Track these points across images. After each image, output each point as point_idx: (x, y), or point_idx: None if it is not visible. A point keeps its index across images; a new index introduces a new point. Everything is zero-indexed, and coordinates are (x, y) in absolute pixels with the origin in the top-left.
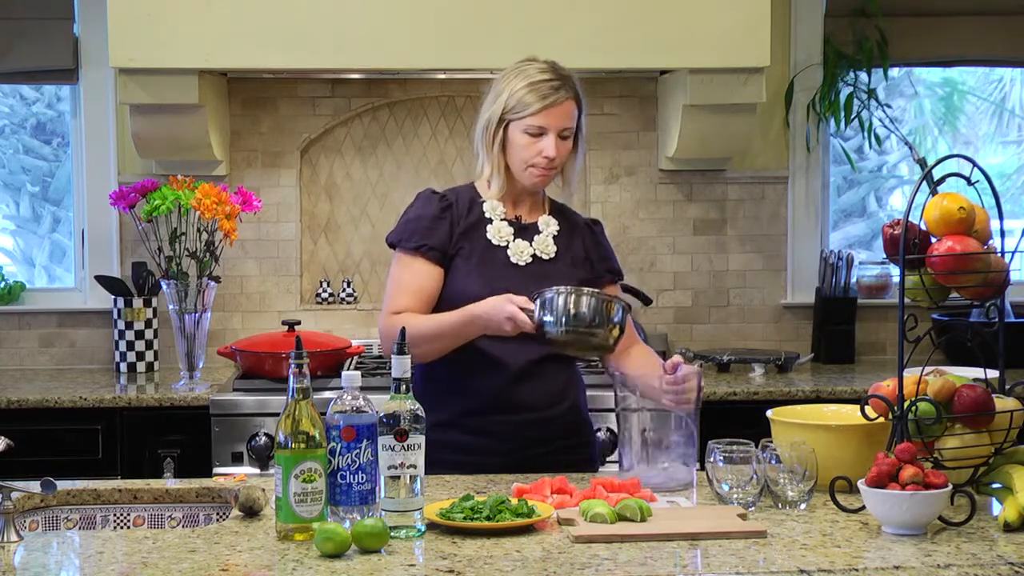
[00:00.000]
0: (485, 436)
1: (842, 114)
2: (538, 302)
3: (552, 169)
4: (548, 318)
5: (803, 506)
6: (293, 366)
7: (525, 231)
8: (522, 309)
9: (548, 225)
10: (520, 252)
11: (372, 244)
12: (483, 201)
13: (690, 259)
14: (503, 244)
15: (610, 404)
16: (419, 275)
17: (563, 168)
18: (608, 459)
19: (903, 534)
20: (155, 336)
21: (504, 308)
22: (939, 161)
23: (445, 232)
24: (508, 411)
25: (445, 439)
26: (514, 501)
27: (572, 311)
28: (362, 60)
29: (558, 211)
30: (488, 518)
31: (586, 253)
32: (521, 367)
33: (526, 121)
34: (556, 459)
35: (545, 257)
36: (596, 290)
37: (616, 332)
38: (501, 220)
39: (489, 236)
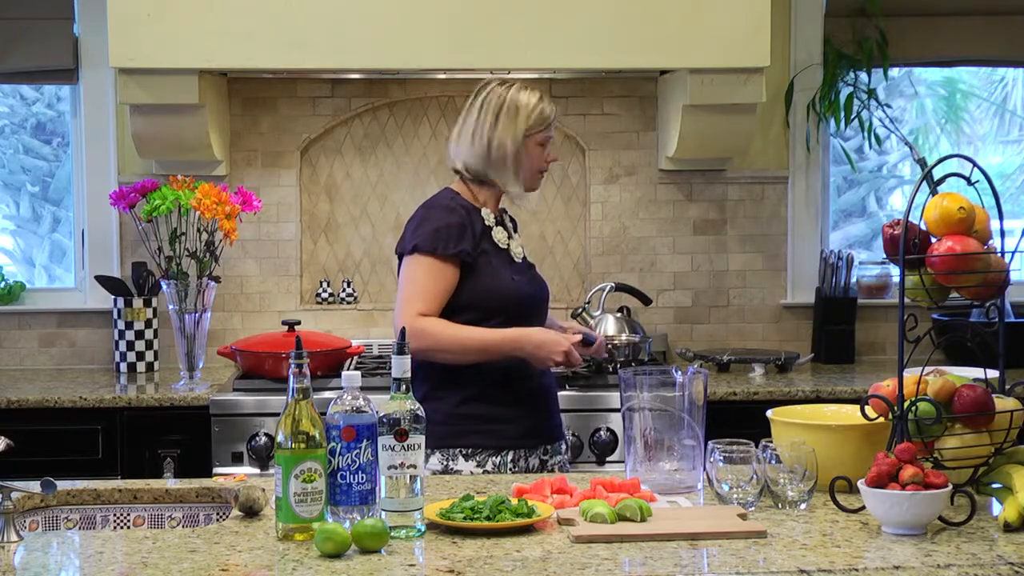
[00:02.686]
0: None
1: (842, 114)
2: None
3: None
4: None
5: (803, 506)
6: (293, 366)
7: (506, 228)
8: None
9: (508, 221)
10: (517, 252)
11: (372, 244)
12: (478, 208)
13: (690, 259)
14: (505, 247)
15: (611, 404)
16: (447, 281)
17: None
18: (608, 459)
19: (903, 534)
20: (155, 336)
21: (561, 342)
22: (939, 161)
23: (470, 238)
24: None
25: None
26: (514, 501)
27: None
28: (362, 60)
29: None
30: (488, 518)
31: None
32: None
33: (543, 134)
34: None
35: (523, 252)
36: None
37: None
38: (496, 225)
39: (497, 240)
